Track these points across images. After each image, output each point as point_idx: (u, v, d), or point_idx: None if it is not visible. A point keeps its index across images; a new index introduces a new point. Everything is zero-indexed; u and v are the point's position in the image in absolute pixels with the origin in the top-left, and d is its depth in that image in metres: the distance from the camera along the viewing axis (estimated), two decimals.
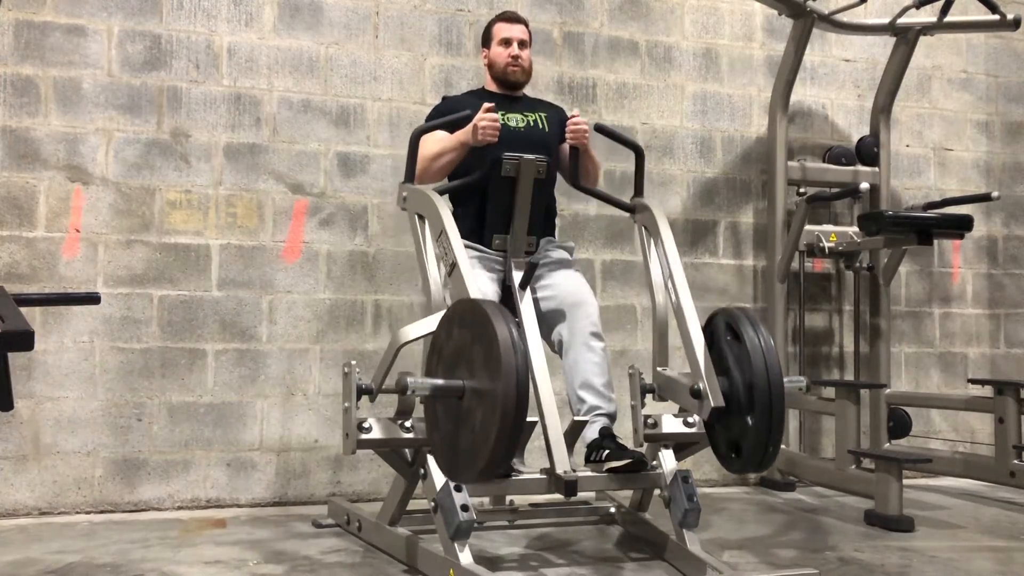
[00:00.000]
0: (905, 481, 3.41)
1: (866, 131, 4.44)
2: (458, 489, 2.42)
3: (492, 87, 3.24)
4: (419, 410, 2.65)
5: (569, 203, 3.99)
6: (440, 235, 2.69)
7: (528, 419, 2.41)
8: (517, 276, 2.91)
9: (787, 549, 2.93)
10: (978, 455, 4.17)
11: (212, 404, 3.55)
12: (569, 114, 2.95)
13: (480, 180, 2.90)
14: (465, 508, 2.40)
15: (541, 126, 3.17)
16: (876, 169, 4.29)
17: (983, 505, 3.77)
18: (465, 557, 2.37)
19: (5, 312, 1.56)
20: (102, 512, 3.39)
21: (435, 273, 2.75)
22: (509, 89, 3.22)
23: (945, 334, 4.68)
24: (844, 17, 4.17)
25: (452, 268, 2.61)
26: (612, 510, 3.23)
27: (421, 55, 3.91)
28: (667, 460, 2.72)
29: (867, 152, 4.31)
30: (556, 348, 2.99)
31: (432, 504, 2.51)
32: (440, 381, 2.28)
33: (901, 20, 4.16)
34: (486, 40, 3.28)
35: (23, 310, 1.61)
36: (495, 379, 2.09)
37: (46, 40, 3.47)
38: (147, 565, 2.65)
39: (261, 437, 3.60)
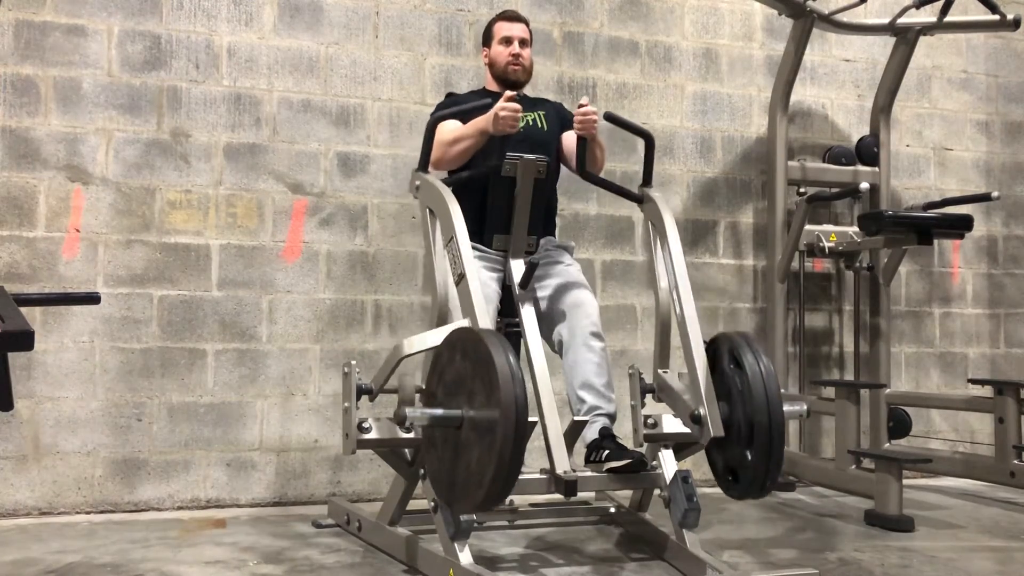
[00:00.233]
0: (905, 481, 3.41)
1: (866, 131, 4.44)
2: None
3: (493, 86, 3.23)
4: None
5: (569, 203, 3.99)
6: (450, 241, 2.66)
7: (528, 419, 2.42)
8: (517, 276, 2.91)
9: (787, 549, 2.93)
10: (978, 455, 4.17)
11: (212, 404, 3.55)
12: (578, 103, 2.86)
13: (485, 173, 2.87)
14: None
15: (541, 125, 3.17)
16: (876, 169, 4.29)
17: (983, 505, 3.77)
18: (465, 557, 2.37)
19: (5, 312, 1.56)
20: (102, 512, 3.39)
21: (443, 272, 2.72)
22: (510, 88, 3.21)
23: (945, 334, 4.68)
24: (844, 17, 4.17)
25: (460, 279, 2.60)
26: (612, 510, 3.23)
27: (421, 55, 3.91)
28: (667, 460, 2.72)
29: (867, 152, 4.31)
30: (556, 348, 2.99)
31: (432, 504, 2.51)
32: (439, 412, 2.29)
33: (901, 20, 4.16)
34: (487, 39, 3.28)
35: (23, 310, 1.61)
36: (494, 420, 2.11)
37: (46, 40, 3.47)
38: (147, 565, 2.65)
39: (261, 437, 3.60)
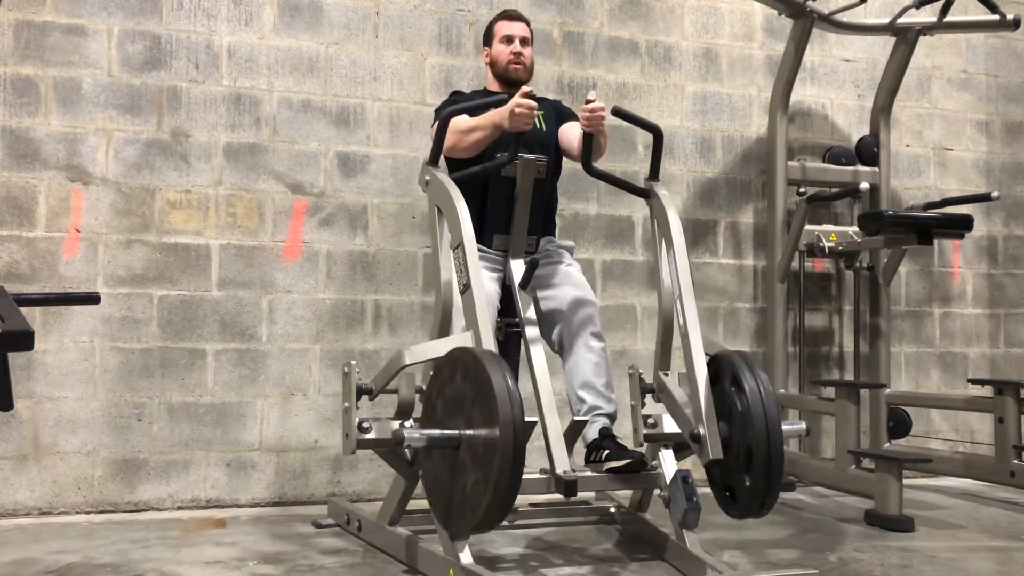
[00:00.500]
0: (905, 481, 3.41)
1: (866, 131, 4.44)
2: None
3: (494, 86, 3.23)
4: (419, 410, 2.65)
5: (569, 203, 3.99)
6: (458, 247, 2.63)
7: (528, 419, 2.42)
8: (517, 276, 2.91)
9: (787, 549, 2.93)
10: (978, 455, 4.17)
11: (212, 404, 3.55)
12: (586, 97, 2.79)
13: (499, 166, 2.84)
14: None
15: (540, 125, 3.15)
16: (876, 169, 4.29)
17: (983, 505, 3.77)
18: (465, 557, 2.37)
19: (5, 312, 1.55)
20: (102, 512, 3.39)
21: (448, 276, 2.69)
22: (511, 87, 3.19)
23: (945, 334, 4.68)
24: (844, 17, 4.17)
25: (465, 288, 2.58)
26: (612, 510, 3.23)
27: (421, 55, 3.91)
28: (667, 460, 2.72)
29: (867, 152, 4.31)
30: (556, 348, 2.99)
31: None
32: (436, 433, 2.29)
33: (901, 20, 4.16)
34: (487, 38, 3.27)
35: (23, 310, 1.61)
36: (491, 452, 2.12)
37: (46, 40, 3.47)
38: (147, 565, 2.65)
39: (261, 437, 3.60)
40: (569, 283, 3.02)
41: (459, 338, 2.55)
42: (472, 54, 3.95)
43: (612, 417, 2.90)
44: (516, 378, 3.07)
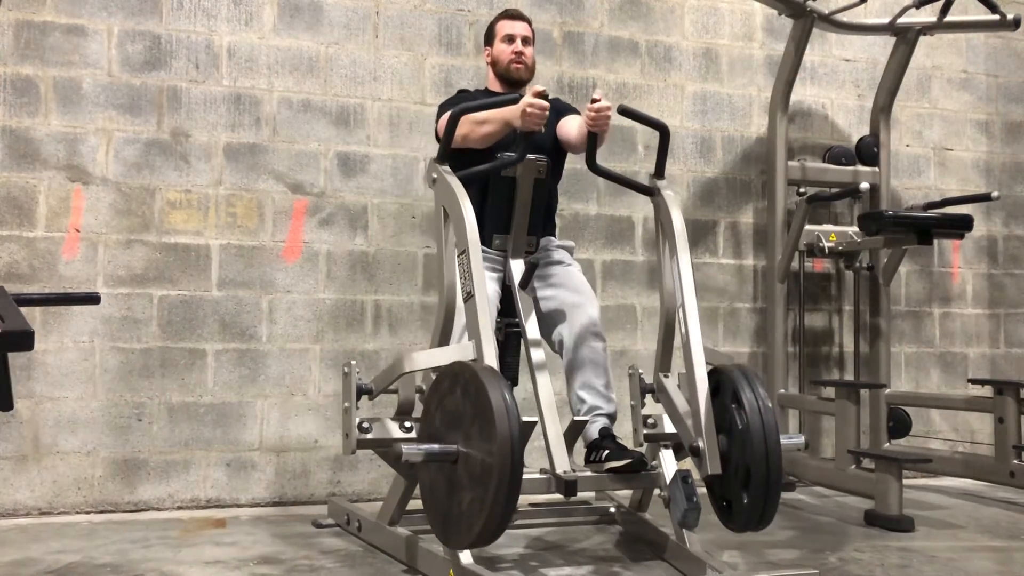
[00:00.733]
0: (905, 481, 3.41)
1: (866, 131, 4.44)
2: None
3: (495, 85, 3.22)
4: (419, 409, 2.65)
5: (569, 203, 3.99)
6: (463, 253, 2.60)
7: (528, 419, 2.42)
8: (517, 276, 2.90)
9: (787, 549, 2.93)
10: (978, 455, 4.17)
11: (212, 404, 3.55)
12: (591, 96, 2.76)
13: (507, 164, 2.82)
14: None
15: None
16: (876, 169, 4.29)
17: (983, 505, 3.77)
18: (465, 557, 2.37)
19: (5, 312, 1.55)
20: (102, 512, 3.39)
21: (451, 278, 2.67)
22: (512, 87, 3.19)
23: (945, 334, 4.68)
24: (844, 17, 4.17)
25: (468, 297, 2.56)
26: (612, 510, 3.23)
27: (421, 55, 3.91)
28: (667, 460, 2.72)
29: (867, 152, 4.31)
30: (556, 348, 2.99)
31: None
32: (435, 447, 2.29)
33: (901, 20, 4.16)
34: (489, 38, 3.26)
35: (23, 310, 1.61)
36: (488, 473, 2.13)
37: (46, 40, 3.47)
38: (147, 565, 2.65)
39: (261, 437, 3.60)
40: (569, 283, 3.02)
41: (461, 348, 2.54)
42: (472, 54, 3.95)
43: (612, 417, 2.90)
44: (516, 379, 3.10)
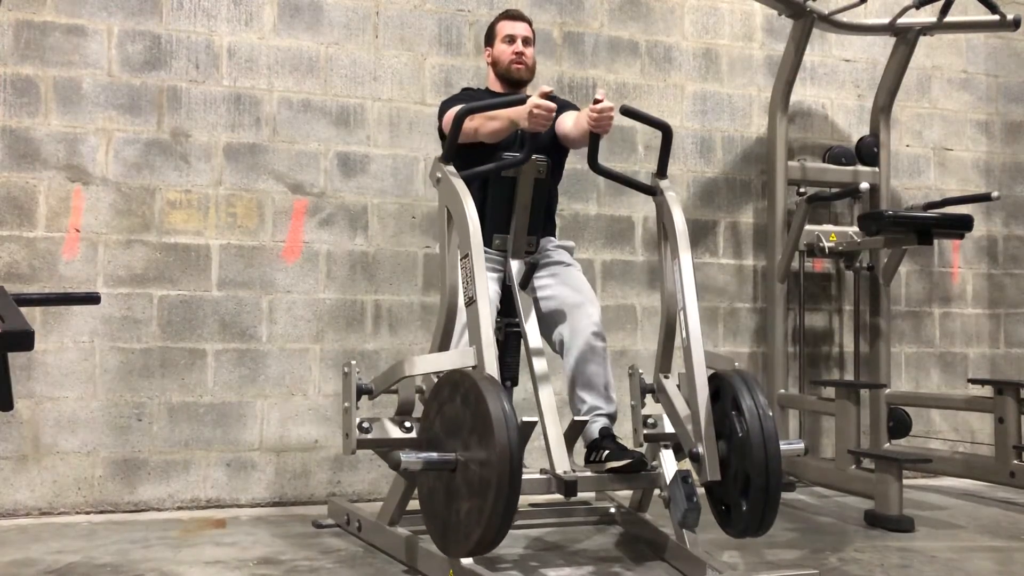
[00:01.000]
0: (905, 481, 3.41)
1: (866, 131, 4.44)
2: None
3: (496, 86, 3.22)
4: (419, 409, 2.65)
5: (569, 203, 3.99)
6: (465, 257, 2.59)
7: (528, 419, 2.42)
8: (517, 276, 2.90)
9: (787, 549, 2.93)
10: (978, 455, 4.17)
11: (212, 404, 3.55)
12: (594, 97, 2.73)
13: (512, 165, 2.82)
14: None
15: None
16: (876, 169, 4.29)
17: (983, 505, 3.77)
18: (465, 557, 2.37)
19: (5, 312, 1.55)
20: (102, 512, 3.39)
21: (453, 280, 2.67)
22: (513, 87, 3.19)
23: (945, 334, 4.68)
24: (844, 17, 4.17)
25: (470, 302, 2.55)
26: (612, 510, 3.23)
27: (421, 55, 3.91)
28: (667, 460, 2.72)
29: (867, 152, 4.31)
30: (557, 348, 2.98)
31: None
32: (434, 456, 2.30)
33: (901, 20, 4.16)
34: (489, 38, 3.26)
35: (23, 310, 1.61)
36: (487, 484, 2.13)
37: (46, 40, 3.47)
38: (147, 565, 2.65)
39: (261, 437, 3.60)
40: (569, 283, 3.02)
41: (462, 354, 2.53)
42: (472, 54, 3.95)
43: (612, 417, 2.90)
44: (516, 379, 3.10)
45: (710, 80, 4.34)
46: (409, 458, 2.27)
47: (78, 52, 3.50)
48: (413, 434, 2.64)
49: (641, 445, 2.79)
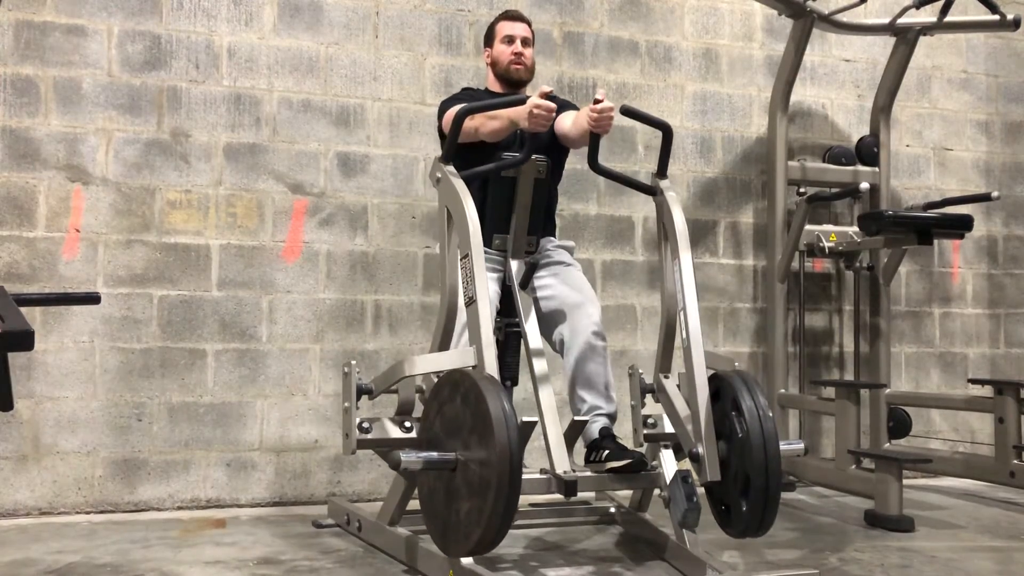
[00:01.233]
0: (905, 481, 3.41)
1: (866, 131, 4.44)
2: None
3: (495, 86, 3.22)
4: (419, 409, 2.65)
5: (569, 203, 3.99)
6: (465, 258, 2.59)
7: (528, 419, 2.42)
8: (517, 276, 2.90)
9: (787, 549, 2.93)
10: (978, 455, 4.17)
11: (212, 404, 3.55)
12: (594, 97, 2.73)
13: (512, 165, 2.82)
14: None
15: None
16: (876, 169, 4.29)
17: (983, 505, 3.77)
18: (465, 557, 2.37)
19: (5, 312, 1.55)
20: (102, 512, 3.39)
21: (453, 280, 2.67)
22: (512, 87, 3.19)
23: (945, 334, 4.68)
24: (844, 17, 4.17)
25: (470, 302, 2.55)
26: (612, 510, 3.23)
27: (421, 55, 3.91)
28: (667, 460, 2.72)
29: (867, 152, 4.31)
30: (557, 348, 2.98)
31: None
32: (434, 455, 2.30)
33: (901, 20, 4.16)
34: (488, 39, 3.27)
35: (23, 310, 1.61)
36: (487, 484, 2.13)
37: (46, 40, 3.47)
38: (147, 565, 2.65)
39: (261, 437, 3.60)
40: (569, 283, 3.02)
41: (462, 354, 2.53)
42: (472, 54, 3.95)
43: (612, 417, 2.90)
44: (516, 379, 3.10)
45: (710, 80, 4.34)
46: (409, 458, 2.27)
47: (78, 52, 3.50)
48: (413, 434, 2.64)
49: (641, 445, 2.79)
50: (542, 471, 2.57)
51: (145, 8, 3.58)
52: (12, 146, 3.41)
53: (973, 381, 4.20)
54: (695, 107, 4.31)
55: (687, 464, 2.52)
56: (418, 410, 2.67)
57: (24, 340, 1.48)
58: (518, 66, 3.16)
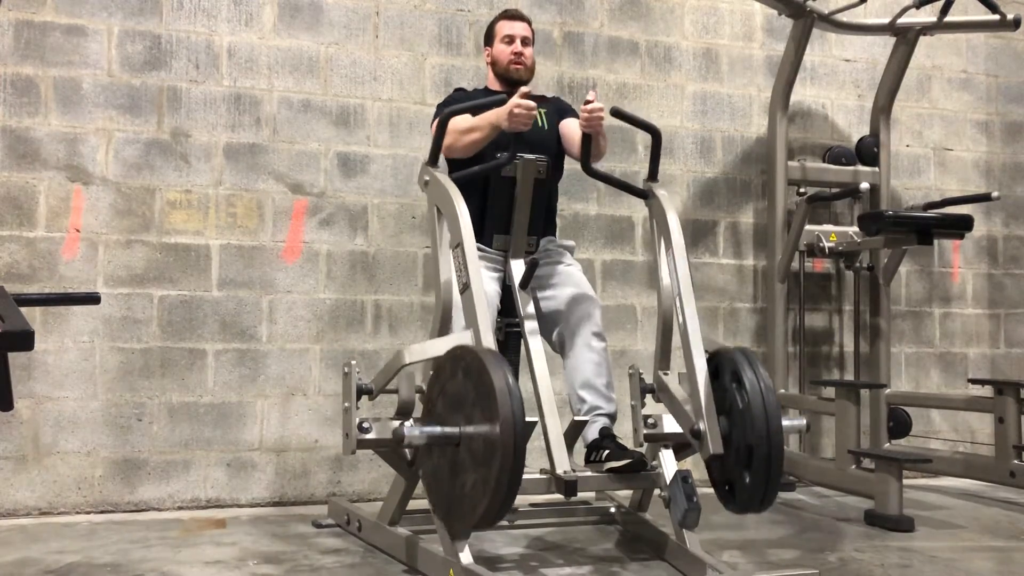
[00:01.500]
0: (905, 481, 3.41)
1: (866, 131, 4.44)
2: None
3: (495, 85, 3.23)
4: (419, 410, 2.65)
5: (569, 203, 3.99)
6: (457, 247, 2.62)
7: (528, 419, 2.42)
8: (517, 276, 2.90)
9: (787, 549, 2.93)
10: (978, 455, 4.17)
11: (212, 404, 3.55)
12: (585, 98, 2.79)
13: (498, 167, 2.84)
14: None
15: (541, 124, 3.16)
16: (876, 169, 4.29)
17: (983, 505, 3.77)
18: (465, 557, 2.37)
19: (5, 312, 1.56)
20: (102, 512, 3.39)
21: (447, 275, 2.69)
22: (512, 87, 3.19)
23: (945, 334, 4.68)
24: (844, 17, 4.17)
25: (465, 288, 2.57)
26: (612, 510, 3.23)
27: (421, 55, 3.91)
28: (667, 460, 2.72)
29: (867, 152, 4.31)
30: (557, 348, 2.99)
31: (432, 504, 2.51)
32: (437, 430, 2.29)
33: (901, 20, 4.16)
34: (488, 38, 3.28)
35: (23, 310, 1.61)
36: (491, 453, 2.12)
37: (46, 40, 3.47)
38: (147, 565, 2.65)
39: (261, 437, 3.60)
40: (569, 283, 3.02)
41: (459, 336, 2.55)
42: (472, 54, 3.95)
43: (612, 417, 2.90)
44: (516, 377, 3.10)
45: (710, 80, 4.34)
46: (412, 432, 2.26)
47: (78, 52, 3.50)
48: None
49: (641, 445, 2.79)
50: (542, 471, 2.57)
51: (145, 8, 3.58)
52: (12, 146, 3.41)
53: (973, 381, 4.20)
54: (695, 107, 4.31)
55: (687, 464, 2.52)
56: (418, 411, 2.67)
57: (24, 340, 1.48)
58: (518, 66, 3.17)
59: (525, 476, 2.65)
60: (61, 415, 3.39)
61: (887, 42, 4.39)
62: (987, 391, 3.85)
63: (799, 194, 4.16)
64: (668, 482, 2.66)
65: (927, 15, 4.15)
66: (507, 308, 3.00)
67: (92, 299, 2.09)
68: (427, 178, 2.85)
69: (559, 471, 2.48)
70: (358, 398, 2.62)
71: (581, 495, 2.85)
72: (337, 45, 3.81)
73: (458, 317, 2.70)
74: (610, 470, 2.69)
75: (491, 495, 2.12)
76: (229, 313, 3.59)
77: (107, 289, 3.45)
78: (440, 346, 2.54)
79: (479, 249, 2.93)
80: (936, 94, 4.76)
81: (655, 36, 4.27)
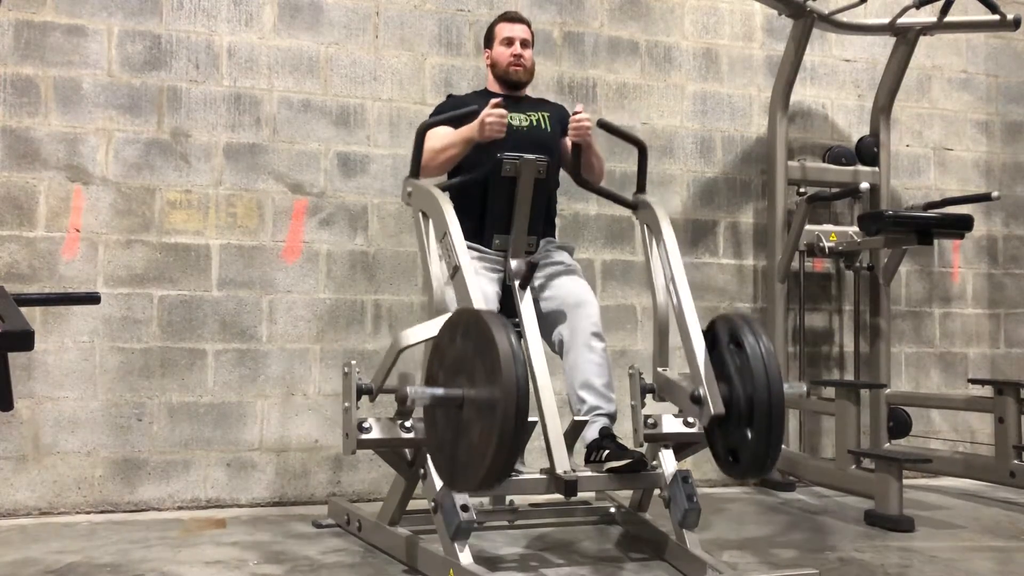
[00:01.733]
0: (905, 481, 3.41)
1: (866, 131, 4.44)
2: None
3: (494, 87, 3.24)
4: (419, 410, 2.65)
5: (569, 203, 3.99)
6: (444, 236, 2.67)
7: (528, 419, 2.41)
8: (517, 276, 2.90)
9: (787, 549, 2.93)
10: (978, 455, 4.17)
11: (212, 404, 3.55)
12: (572, 110, 2.91)
13: (483, 177, 2.89)
14: (465, 508, 2.40)
15: (543, 126, 3.17)
16: (876, 169, 4.30)
17: (983, 505, 3.77)
18: (465, 557, 2.37)
19: (5, 312, 1.56)
20: (102, 512, 3.39)
21: (438, 273, 2.74)
22: (511, 89, 3.21)
23: (945, 334, 4.68)
24: (844, 17, 4.17)
25: (455, 272, 2.60)
26: (612, 510, 3.23)
27: (421, 55, 3.91)
28: (667, 460, 2.72)
29: (867, 152, 4.31)
30: (556, 348, 2.99)
31: (432, 504, 2.51)
32: (440, 391, 2.28)
33: (901, 20, 4.16)
34: (488, 40, 3.28)
35: (23, 310, 1.61)
36: (494, 395, 2.11)
37: (46, 40, 3.47)
38: (147, 565, 2.65)
39: (261, 437, 3.60)
40: (570, 283, 3.02)
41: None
42: (472, 54, 3.95)
43: (612, 417, 2.90)
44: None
45: (710, 80, 4.34)
46: (417, 391, 2.26)
47: (78, 52, 3.50)
48: (413, 434, 2.64)
49: (641, 445, 2.78)
50: (542, 471, 2.57)
51: (145, 8, 3.58)
52: (12, 146, 3.41)
53: (973, 381, 4.20)
54: (695, 107, 4.31)
55: (687, 464, 2.52)
56: (418, 411, 2.67)
57: (24, 340, 1.48)
58: (517, 68, 3.18)
59: (526, 476, 2.67)
60: (61, 415, 3.39)
61: (887, 42, 4.39)
62: (987, 391, 3.85)
63: (799, 194, 4.16)
64: (668, 482, 2.66)
65: (927, 15, 4.15)
66: (507, 308, 3.00)
67: (92, 299, 2.09)
68: (410, 189, 2.93)
69: (559, 471, 2.48)
70: (358, 398, 2.62)
71: (581, 495, 2.85)
72: (337, 45, 3.81)
73: (452, 308, 2.71)
74: (610, 470, 2.69)
75: (494, 452, 2.08)
76: (229, 313, 3.59)
77: (107, 289, 3.45)
78: (437, 325, 2.53)
79: (479, 250, 2.95)
80: (936, 94, 4.76)
81: (655, 36, 4.27)
